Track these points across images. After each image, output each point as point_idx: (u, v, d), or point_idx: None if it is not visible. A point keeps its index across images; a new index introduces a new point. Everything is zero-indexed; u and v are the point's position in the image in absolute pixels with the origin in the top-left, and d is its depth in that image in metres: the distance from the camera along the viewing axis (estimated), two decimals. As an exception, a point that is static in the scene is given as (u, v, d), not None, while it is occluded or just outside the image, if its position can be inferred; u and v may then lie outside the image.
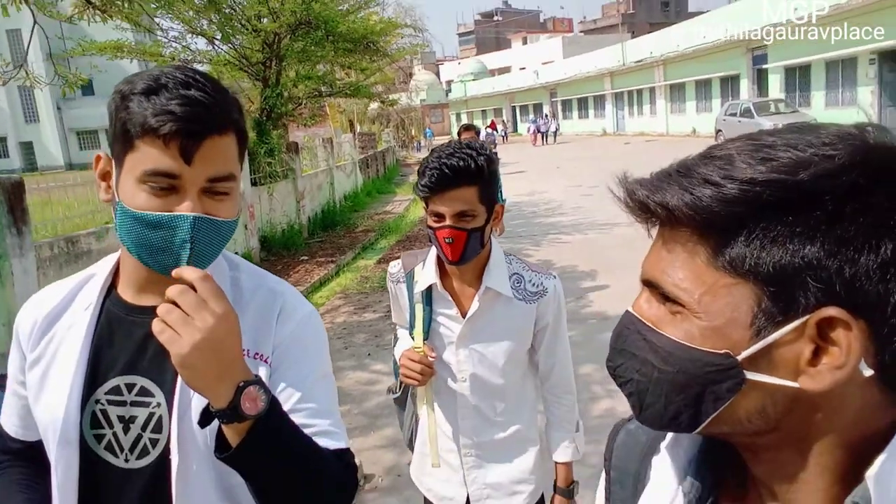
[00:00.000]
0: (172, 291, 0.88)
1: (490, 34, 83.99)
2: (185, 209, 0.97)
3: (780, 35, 22.17)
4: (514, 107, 50.90)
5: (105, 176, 1.04)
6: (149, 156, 0.95)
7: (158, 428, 1.05)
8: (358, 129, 25.98)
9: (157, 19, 9.90)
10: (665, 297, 0.58)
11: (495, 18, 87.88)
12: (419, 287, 1.83)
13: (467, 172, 1.62)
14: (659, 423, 0.61)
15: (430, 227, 1.71)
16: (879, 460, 0.51)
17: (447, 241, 1.66)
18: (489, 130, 34.05)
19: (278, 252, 10.89)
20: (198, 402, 1.02)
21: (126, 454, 1.06)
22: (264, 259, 10.33)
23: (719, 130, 22.98)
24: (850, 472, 0.54)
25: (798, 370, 0.53)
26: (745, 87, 26.40)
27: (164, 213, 0.96)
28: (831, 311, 0.50)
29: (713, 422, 0.57)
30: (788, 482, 0.58)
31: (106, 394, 1.06)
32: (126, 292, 1.10)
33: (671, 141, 27.78)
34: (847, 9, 19.00)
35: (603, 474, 0.81)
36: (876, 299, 0.50)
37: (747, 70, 26.30)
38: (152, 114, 0.94)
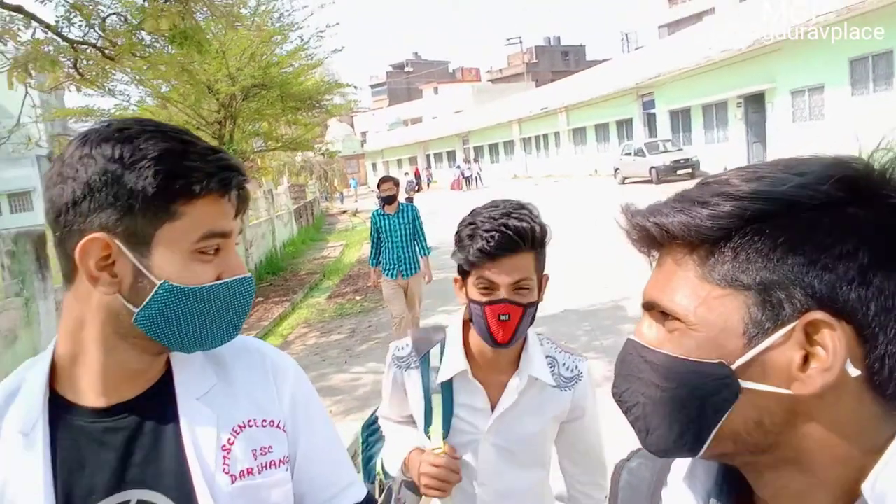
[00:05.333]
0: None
1: (402, 84, 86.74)
2: (241, 269, 0.90)
3: (663, 84, 25.18)
4: (427, 155, 52.94)
5: (102, 265, 0.83)
6: (202, 218, 0.85)
7: None
8: (286, 181, 27.19)
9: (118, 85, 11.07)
10: (664, 316, 0.61)
11: (406, 69, 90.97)
12: (443, 376, 1.57)
13: (532, 236, 1.42)
14: (665, 445, 0.62)
15: (476, 302, 1.46)
16: (874, 472, 0.53)
17: (502, 317, 1.43)
18: (411, 178, 35.97)
19: (234, 296, 11.96)
20: (232, 486, 0.91)
21: None
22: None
23: (617, 168, 25.65)
24: (852, 488, 0.55)
25: (790, 377, 0.55)
26: (639, 129, 29.19)
27: (237, 278, 0.89)
28: (816, 315, 0.53)
29: (716, 439, 0.58)
30: (793, 502, 0.59)
31: None
32: (84, 395, 0.89)
33: (576, 180, 30.25)
34: (719, 59, 22.02)
35: None
36: (857, 303, 0.53)
37: (639, 114, 29.23)
38: (211, 171, 0.85)
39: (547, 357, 1.58)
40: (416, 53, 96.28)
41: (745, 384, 0.56)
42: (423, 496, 1.58)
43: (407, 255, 6.60)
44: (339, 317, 9.70)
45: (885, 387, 0.54)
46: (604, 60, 38.47)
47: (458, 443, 1.57)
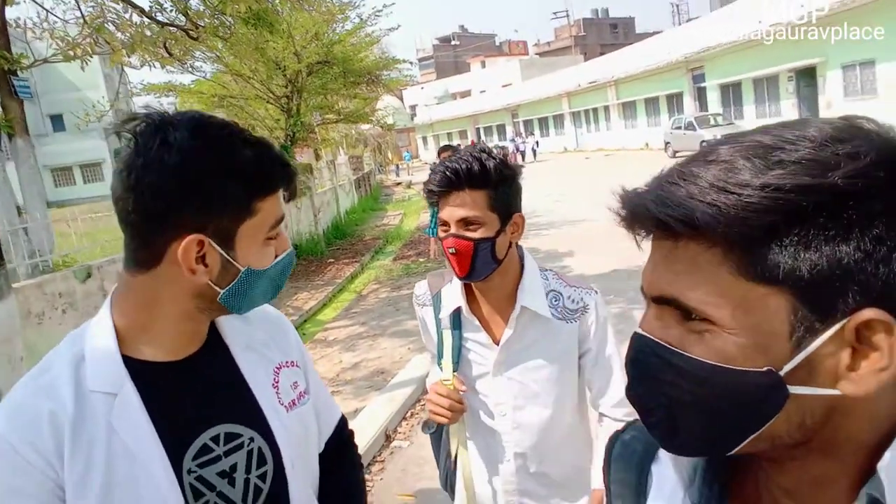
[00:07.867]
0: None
1: (449, 58, 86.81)
2: (288, 243, 1.07)
3: (713, 58, 25.29)
4: (477, 128, 53.29)
5: (197, 258, 0.96)
6: (271, 211, 1.00)
7: (262, 461, 1.06)
8: (343, 152, 28.30)
9: (197, 63, 12.22)
10: (686, 316, 0.55)
11: (453, 43, 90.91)
12: (445, 311, 1.67)
13: (470, 174, 1.49)
14: (693, 449, 0.59)
15: (439, 238, 1.57)
16: (890, 451, 0.51)
17: (451, 251, 1.52)
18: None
19: (306, 257, 13.08)
20: (288, 414, 1.11)
21: None
22: (295, 264, 12.50)
23: (667, 143, 25.92)
24: (868, 467, 0.53)
25: (837, 376, 0.51)
26: (689, 103, 29.28)
27: (288, 252, 1.07)
28: (870, 314, 0.49)
29: (752, 441, 0.54)
30: (813, 486, 0.57)
31: (194, 459, 1.00)
32: (157, 353, 1.02)
33: (627, 154, 30.62)
34: (769, 33, 22.04)
35: (603, 489, 0.79)
36: None
37: (689, 88, 29.28)
38: (277, 171, 1.00)
39: (551, 291, 1.64)
40: (463, 26, 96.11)
41: (793, 389, 0.52)
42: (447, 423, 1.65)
43: None
44: (405, 275, 10.66)
45: None
46: (654, 33, 38.34)
47: (471, 376, 1.67)
